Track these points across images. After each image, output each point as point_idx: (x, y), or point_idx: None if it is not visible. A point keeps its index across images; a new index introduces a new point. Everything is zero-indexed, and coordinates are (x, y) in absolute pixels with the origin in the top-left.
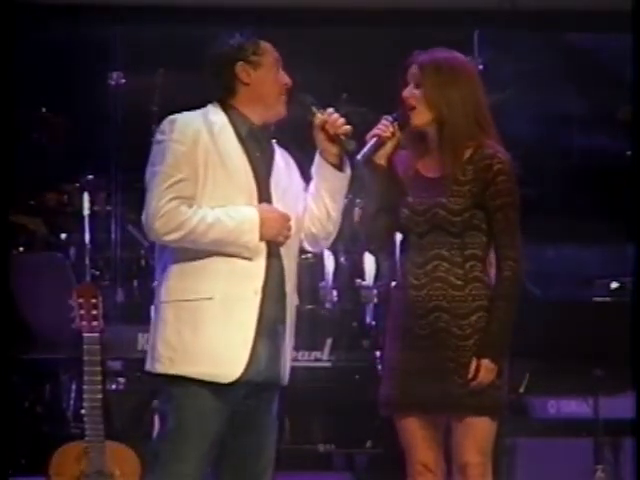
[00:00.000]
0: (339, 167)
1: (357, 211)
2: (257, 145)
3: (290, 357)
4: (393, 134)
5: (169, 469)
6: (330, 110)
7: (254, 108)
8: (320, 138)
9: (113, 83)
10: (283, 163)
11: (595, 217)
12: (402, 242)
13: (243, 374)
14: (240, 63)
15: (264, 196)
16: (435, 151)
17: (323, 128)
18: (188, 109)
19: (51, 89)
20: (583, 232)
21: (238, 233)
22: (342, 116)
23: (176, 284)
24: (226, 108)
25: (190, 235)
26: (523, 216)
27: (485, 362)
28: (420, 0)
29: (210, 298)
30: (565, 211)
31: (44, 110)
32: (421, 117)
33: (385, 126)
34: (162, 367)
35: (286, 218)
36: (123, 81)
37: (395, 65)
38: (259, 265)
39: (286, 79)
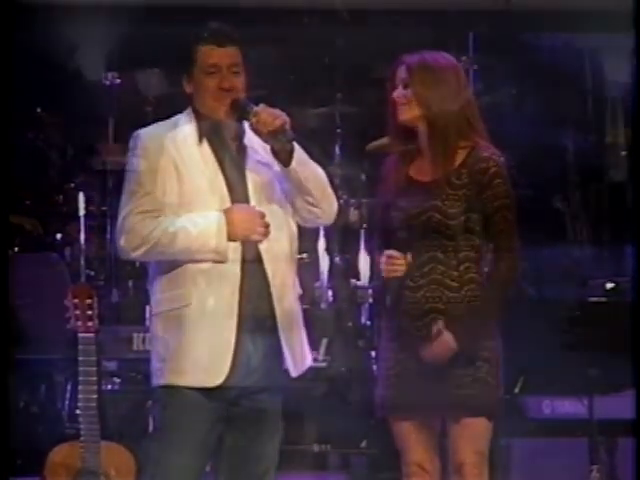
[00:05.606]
0: (284, 162)
1: (352, 211)
2: (227, 145)
3: (299, 350)
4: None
5: (161, 469)
6: (258, 108)
7: (208, 112)
8: (261, 137)
9: (108, 83)
10: (264, 156)
11: (592, 218)
12: (397, 244)
13: (229, 376)
14: (184, 77)
15: (239, 196)
16: (426, 154)
17: (257, 128)
18: (183, 109)
19: (46, 89)
20: (579, 232)
21: (204, 238)
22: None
23: (160, 296)
24: (196, 113)
25: (156, 248)
26: (518, 217)
27: (447, 335)
28: (416, 1)
29: (188, 305)
30: (560, 212)
31: (39, 110)
32: (409, 112)
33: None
34: (155, 379)
35: (258, 215)
36: (118, 81)
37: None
38: (234, 266)
39: (225, 84)
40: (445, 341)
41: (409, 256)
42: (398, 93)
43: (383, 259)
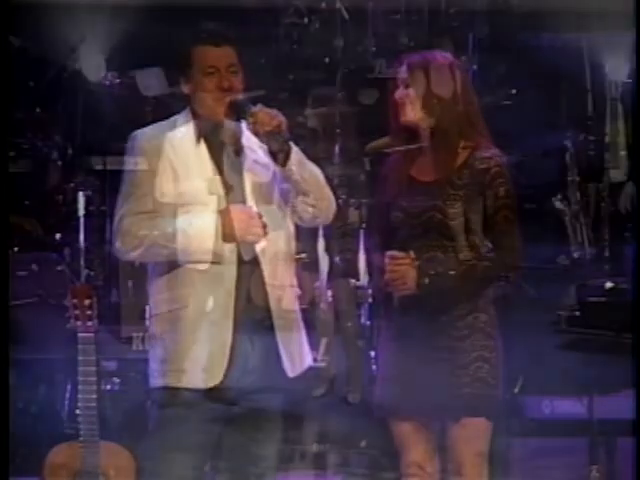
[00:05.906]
0: (281, 162)
1: (352, 211)
2: (224, 145)
3: (297, 351)
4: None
5: (161, 469)
6: (256, 108)
7: (207, 113)
8: (258, 137)
9: (108, 83)
10: (262, 156)
11: (592, 218)
12: (397, 244)
13: (226, 376)
14: (181, 78)
15: (236, 196)
16: (428, 154)
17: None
18: (182, 110)
19: (46, 89)
20: (579, 232)
21: (200, 240)
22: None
23: (159, 297)
24: (194, 113)
25: (153, 249)
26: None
27: (413, 272)
28: (416, 1)
29: (185, 306)
30: (560, 212)
31: (39, 110)
32: (411, 113)
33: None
34: (154, 380)
35: (254, 216)
36: (117, 81)
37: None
38: (231, 266)
39: (224, 83)
40: (410, 270)
41: (412, 253)
42: (399, 93)
43: (386, 260)
